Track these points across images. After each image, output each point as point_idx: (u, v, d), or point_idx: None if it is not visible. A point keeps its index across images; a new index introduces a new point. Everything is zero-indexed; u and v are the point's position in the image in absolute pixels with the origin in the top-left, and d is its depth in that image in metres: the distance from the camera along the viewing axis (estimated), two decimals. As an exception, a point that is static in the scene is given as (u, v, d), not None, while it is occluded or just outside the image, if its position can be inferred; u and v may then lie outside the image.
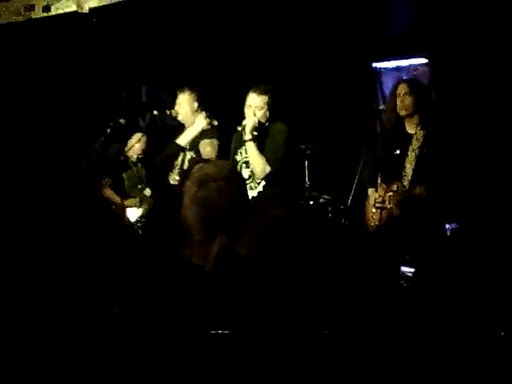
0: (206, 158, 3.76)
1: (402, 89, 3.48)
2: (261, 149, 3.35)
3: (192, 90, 4.02)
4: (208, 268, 1.72)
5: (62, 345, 2.01)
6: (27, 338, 2.06)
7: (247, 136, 3.31)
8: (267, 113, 3.38)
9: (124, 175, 4.69)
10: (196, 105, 4.01)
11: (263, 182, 3.37)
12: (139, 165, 4.76)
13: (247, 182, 3.35)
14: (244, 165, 3.44)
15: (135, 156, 4.72)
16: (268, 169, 3.30)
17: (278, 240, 3.21)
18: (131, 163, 4.70)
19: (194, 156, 3.90)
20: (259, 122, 3.34)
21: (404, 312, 3.19)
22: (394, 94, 3.55)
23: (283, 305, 1.76)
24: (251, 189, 3.35)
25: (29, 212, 4.53)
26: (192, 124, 3.93)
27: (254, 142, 3.30)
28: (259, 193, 3.38)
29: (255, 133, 3.34)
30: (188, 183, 1.78)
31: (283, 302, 1.77)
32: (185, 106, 4.00)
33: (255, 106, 3.33)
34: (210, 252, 1.74)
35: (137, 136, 4.67)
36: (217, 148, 3.84)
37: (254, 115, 3.32)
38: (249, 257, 1.77)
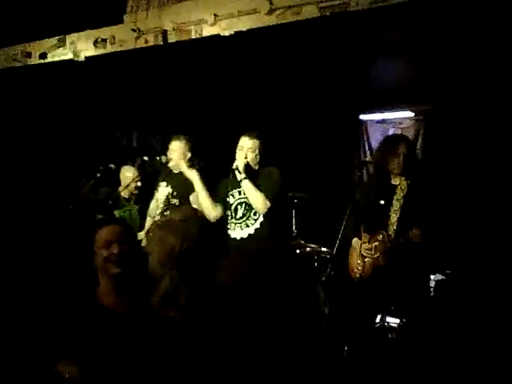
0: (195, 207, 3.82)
1: (404, 149, 3.44)
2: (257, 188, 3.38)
3: (188, 139, 4.06)
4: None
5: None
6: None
7: (242, 175, 3.35)
8: (258, 156, 3.47)
9: (116, 213, 4.43)
10: (189, 155, 4.03)
11: (261, 219, 3.38)
12: (132, 203, 4.52)
13: (241, 220, 3.41)
14: (239, 206, 3.45)
15: (128, 194, 4.53)
16: (269, 203, 3.32)
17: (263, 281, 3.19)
18: (123, 201, 4.48)
19: (178, 204, 3.93)
20: (249, 163, 3.41)
21: (390, 363, 3.16)
22: (386, 151, 3.51)
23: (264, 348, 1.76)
24: (247, 226, 3.38)
25: (17, 253, 4.50)
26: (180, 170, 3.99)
27: (250, 180, 3.34)
28: (256, 229, 3.38)
29: (247, 172, 3.39)
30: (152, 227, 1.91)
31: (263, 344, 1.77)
32: (178, 153, 4.02)
33: (248, 148, 3.43)
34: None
35: (130, 172, 4.54)
36: None
37: (246, 157, 3.40)
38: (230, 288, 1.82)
